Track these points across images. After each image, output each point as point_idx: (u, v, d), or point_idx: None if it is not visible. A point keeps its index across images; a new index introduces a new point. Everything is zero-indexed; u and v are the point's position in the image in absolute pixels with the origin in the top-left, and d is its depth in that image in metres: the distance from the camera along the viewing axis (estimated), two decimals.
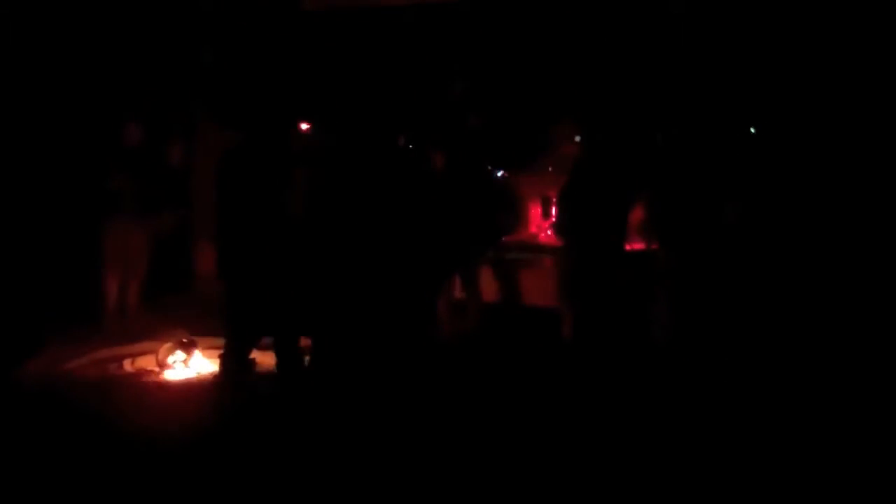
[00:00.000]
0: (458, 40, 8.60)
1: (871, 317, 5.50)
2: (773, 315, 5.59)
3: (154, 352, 6.29)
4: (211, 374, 6.13)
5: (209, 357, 6.35)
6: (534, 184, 8.53)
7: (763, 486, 4.21)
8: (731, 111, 6.69)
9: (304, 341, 5.29)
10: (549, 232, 8.14)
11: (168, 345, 6.23)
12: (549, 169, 8.46)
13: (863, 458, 4.41)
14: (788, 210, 5.79)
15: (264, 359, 6.13)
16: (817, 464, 4.36)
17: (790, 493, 4.16)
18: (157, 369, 6.18)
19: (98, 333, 6.69)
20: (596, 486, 4.27)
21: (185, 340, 6.24)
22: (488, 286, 7.12)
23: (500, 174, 8.76)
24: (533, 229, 8.56)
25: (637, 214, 6.02)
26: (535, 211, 8.58)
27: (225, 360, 5.29)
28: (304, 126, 7.16)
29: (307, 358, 5.29)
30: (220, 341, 6.53)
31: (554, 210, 7.64)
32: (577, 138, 7.15)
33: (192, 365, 6.20)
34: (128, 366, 6.34)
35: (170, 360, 6.17)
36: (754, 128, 6.81)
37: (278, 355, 5.26)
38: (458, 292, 6.83)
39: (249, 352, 5.44)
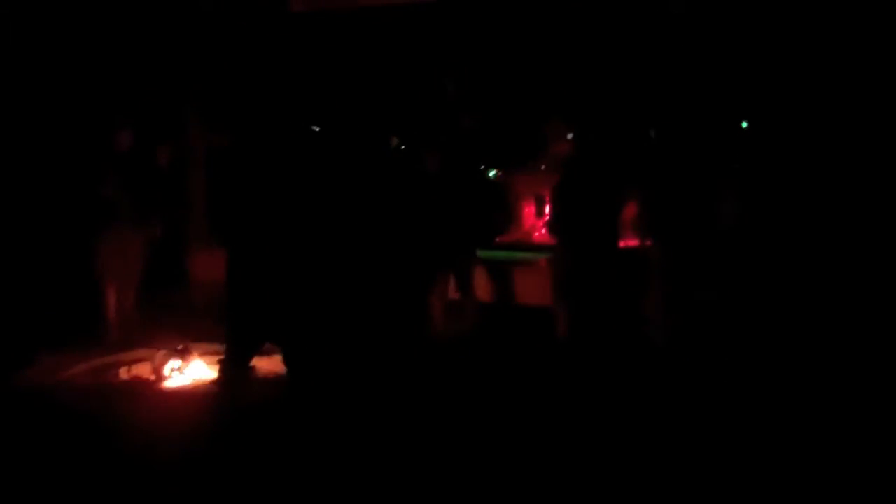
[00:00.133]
0: (449, 40, 8.60)
1: (867, 313, 5.51)
2: (768, 311, 5.59)
3: (150, 359, 6.27)
4: (207, 380, 6.12)
5: (205, 364, 6.35)
6: (527, 183, 8.55)
7: (759, 484, 4.21)
8: (724, 108, 6.70)
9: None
10: (542, 231, 8.15)
11: (164, 352, 6.21)
12: (543, 168, 8.48)
13: (857, 453, 4.41)
14: (783, 206, 5.80)
15: (263, 363, 6.16)
16: (812, 461, 4.37)
17: (787, 492, 4.16)
18: (153, 377, 6.16)
19: (98, 342, 6.66)
20: (592, 485, 4.28)
21: (180, 347, 6.23)
22: (483, 286, 7.12)
23: (493, 173, 8.79)
24: (527, 228, 8.58)
25: (630, 211, 6.03)
26: (529, 210, 8.60)
27: (225, 366, 5.29)
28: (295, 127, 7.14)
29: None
30: (216, 347, 6.55)
31: (547, 209, 7.65)
32: (570, 136, 7.16)
33: (187, 372, 6.18)
34: (124, 374, 6.33)
35: (166, 367, 6.15)
36: (747, 123, 6.82)
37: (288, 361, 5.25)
38: (453, 292, 6.82)
39: (251, 358, 5.45)
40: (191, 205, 8.72)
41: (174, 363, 6.17)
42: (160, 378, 6.13)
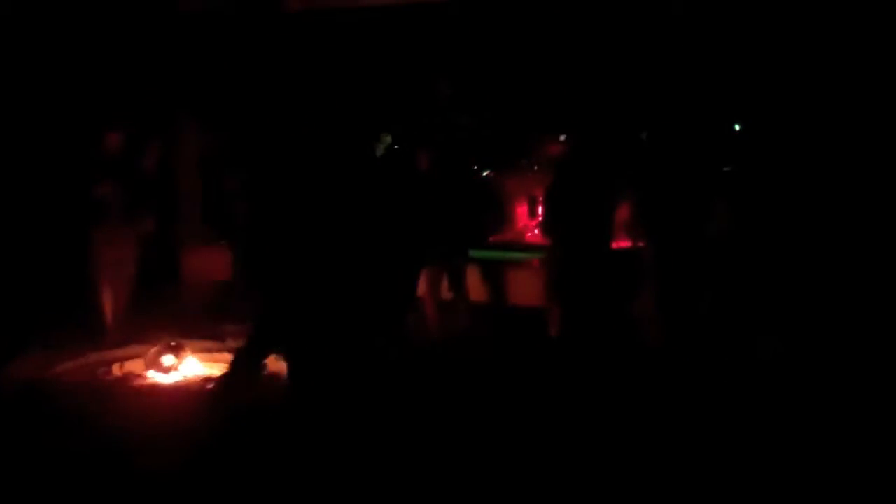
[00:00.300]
0: (443, 40, 8.61)
1: (862, 315, 5.53)
2: (760, 312, 5.62)
3: (142, 356, 6.27)
4: (200, 377, 6.12)
5: (197, 360, 6.35)
6: (520, 183, 8.57)
7: (753, 484, 4.24)
8: (716, 110, 6.73)
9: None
10: (535, 231, 8.17)
11: (156, 348, 6.21)
12: (535, 168, 8.50)
13: (853, 452, 4.45)
14: (775, 209, 5.83)
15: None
16: (805, 461, 4.40)
17: (780, 492, 4.19)
18: (145, 373, 6.15)
19: (93, 341, 6.65)
20: (585, 484, 4.29)
21: (173, 344, 6.23)
22: (476, 286, 7.13)
23: (486, 174, 8.81)
24: (520, 228, 8.60)
25: (623, 212, 6.05)
26: (522, 210, 8.62)
27: (241, 361, 5.30)
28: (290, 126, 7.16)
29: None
30: (209, 344, 6.57)
31: (540, 209, 7.67)
32: (563, 137, 7.18)
33: (180, 368, 6.18)
34: (116, 370, 6.32)
35: (158, 363, 6.15)
36: (739, 125, 6.85)
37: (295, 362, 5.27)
38: (445, 292, 6.83)
39: (267, 356, 5.48)
40: (182, 203, 8.72)
41: (167, 360, 6.17)
42: (152, 374, 6.13)
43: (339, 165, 5.71)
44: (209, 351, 6.55)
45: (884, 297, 5.56)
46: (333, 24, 8.70)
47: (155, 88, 8.18)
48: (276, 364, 5.68)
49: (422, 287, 6.70)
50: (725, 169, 6.42)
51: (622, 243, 6.28)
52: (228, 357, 6.48)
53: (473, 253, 7.08)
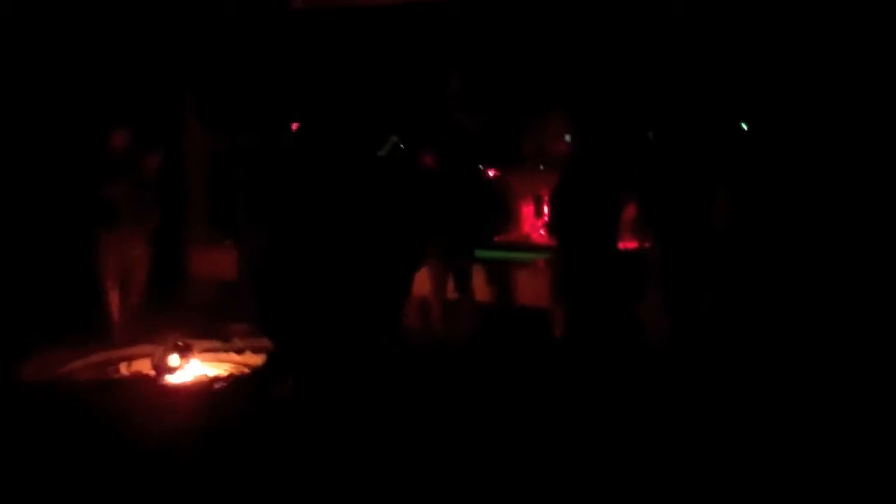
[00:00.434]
0: (449, 39, 8.62)
1: (866, 316, 5.53)
2: (766, 314, 5.62)
3: (150, 355, 6.29)
4: (207, 376, 6.15)
5: (204, 360, 6.37)
6: (526, 183, 8.57)
7: (758, 485, 4.24)
8: (722, 110, 6.73)
9: None
10: (541, 231, 8.18)
11: (164, 348, 6.22)
12: (541, 168, 8.50)
13: (857, 454, 4.45)
14: (781, 209, 5.83)
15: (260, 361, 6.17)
16: (810, 463, 4.40)
17: (786, 494, 4.20)
18: (152, 372, 6.17)
19: (101, 341, 6.67)
20: (590, 487, 4.30)
21: (180, 344, 6.24)
22: (481, 286, 7.14)
23: (491, 173, 8.81)
24: (525, 229, 8.60)
25: (629, 213, 6.05)
26: (528, 210, 8.62)
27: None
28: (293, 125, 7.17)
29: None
30: (216, 343, 6.60)
31: (546, 209, 7.67)
32: (568, 137, 7.18)
33: (187, 368, 6.20)
34: (124, 369, 6.34)
35: (166, 363, 6.17)
36: (746, 125, 6.85)
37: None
38: (451, 292, 6.84)
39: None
40: (189, 202, 8.74)
41: (174, 359, 6.18)
42: (160, 374, 6.15)
43: (344, 165, 5.71)
44: (216, 351, 6.58)
45: (886, 294, 5.57)
46: (337, 23, 8.71)
47: (160, 87, 8.20)
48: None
49: (428, 287, 6.72)
50: (732, 169, 6.42)
51: (628, 244, 6.28)
52: (234, 357, 6.56)
53: (479, 253, 7.09)
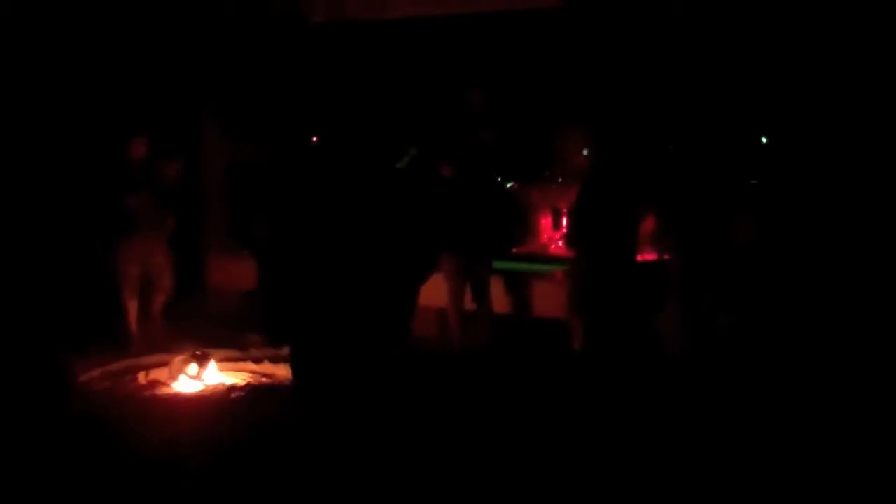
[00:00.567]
0: (469, 52, 8.63)
1: (890, 328, 5.47)
2: (787, 329, 5.58)
3: (167, 364, 6.31)
4: (224, 386, 6.15)
5: (222, 369, 6.38)
6: (544, 195, 8.56)
7: (774, 494, 4.21)
8: (743, 122, 6.69)
9: None
10: (559, 243, 8.16)
11: (181, 357, 6.24)
12: (560, 180, 8.49)
13: (871, 464, 4.40)
14: (803, 224, 5.78)
15: (279, 370, 6.19)
16: (826, 470, 4.36)
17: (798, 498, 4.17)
18: (170, 381, 6.19)
19: (120, 351, 6.69)
20: (606, 497, 4.27)
21: (198, 353, 6.26)
22: (499, 298, 7.12)
23: (510, 185, 8.81)
24: (543, 240, 8.59)
25: (649, 225, 6.03)
26: (546, 222, 8.61)
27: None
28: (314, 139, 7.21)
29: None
30: (233, 353, 6.61)
31: (565, 221, 7.65)
32: (585, 151, 7.16)
33: (205, 377, 6.22)
34: (141, 378, 6.36)
35: (183, 372, 6.19)
36: (766, 138, 6.82)
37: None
38: (468, 303, 6.83)
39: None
40: (208, 212, 8.78)
41: (191, 369, 6.20)
42: (177, 382, 6.17)
43: (362, 177, 5.72)
44: (233, 360, 6.60)
45: None
46: (357, 36, 8.75)
47: (179, 96, 8.25)
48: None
49: (445, 298, 6.71)
50: (752, 182, 6.38)
51: (647, 256, 6.26)
52: (252, 366, 6.57)
53: (497, 264, 7.08)
